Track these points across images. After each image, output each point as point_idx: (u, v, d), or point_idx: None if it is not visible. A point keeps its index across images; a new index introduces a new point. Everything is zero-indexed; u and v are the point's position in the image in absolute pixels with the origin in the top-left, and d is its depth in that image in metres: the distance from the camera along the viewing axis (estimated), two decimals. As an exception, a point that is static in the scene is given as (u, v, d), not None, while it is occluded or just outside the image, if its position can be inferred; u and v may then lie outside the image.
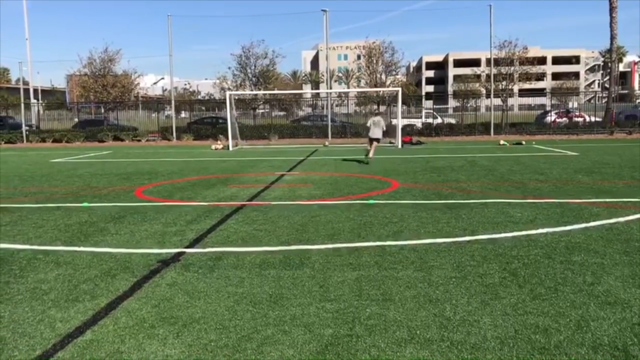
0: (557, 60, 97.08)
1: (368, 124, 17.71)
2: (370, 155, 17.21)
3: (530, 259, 5.47)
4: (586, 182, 11.14)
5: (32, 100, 41.69)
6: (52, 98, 69.62)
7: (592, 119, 34.25)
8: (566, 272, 5.01)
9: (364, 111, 43.49)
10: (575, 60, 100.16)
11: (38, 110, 41.49)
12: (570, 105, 39.74)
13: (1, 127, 37.62)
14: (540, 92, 47.54)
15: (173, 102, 37.17)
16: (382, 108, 38.99)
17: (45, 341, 3.69)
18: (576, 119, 34.60)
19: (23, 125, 35.94)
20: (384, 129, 17.73)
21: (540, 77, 40.42)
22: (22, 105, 38.27)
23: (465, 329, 3.78)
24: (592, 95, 44.80)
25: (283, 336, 3.71)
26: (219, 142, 26.99)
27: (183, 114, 45.72)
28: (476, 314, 4.03)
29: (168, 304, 4.36)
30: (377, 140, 17.41)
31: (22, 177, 14.11)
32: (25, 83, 43.92)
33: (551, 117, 34.61)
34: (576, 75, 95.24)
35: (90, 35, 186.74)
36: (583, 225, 6.99)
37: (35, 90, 46.32)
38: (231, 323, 3.95)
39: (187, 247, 6.21)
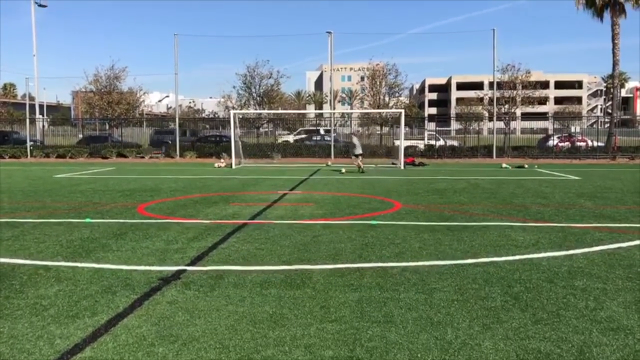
0: (559, 85, 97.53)
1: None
2: (361, 166, 21.60)
3: (532, 283, 5.45)
4: (589, 207, 11.12)
5: (38, 116, 41.93)
6: (58, 114, 70.14)
7: (595, 143, 34.32)
8: (568, 297, 4.98)
9: (367, 132, 43.62)
10: (578, 85, 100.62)
11: (43, 126, 41.73)
12: (572, 129, 39.82)
13: (6, 141, 37.84)
14: (542, 116, 47.71)
15: (177, 119, 37.35)
16: (385, 129, 39.14)
17: (44, 358, 3.68)
18: (579, 144, 34.66)
19: (28, 141, 36.12)
20: (358, 144, 22.29)
21: (543, 101, 40.53)
22: (27, 120, 38.50)
23: (467, 352, 3.75)
24: (595, 120, 44.93)
25: (283, 356, 3.69)
26: (222, 160, 27.07)
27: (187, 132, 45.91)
28: (477, 338, 4.01)
29: (168, 322, 4.35)
30: (358, 155, 21.82)
31: (25, 192, 14.14)
32: (32, 99, 44.24)
33: (553, 141, 34.69)
34: (579, 100, 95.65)
35: (97, 52, 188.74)
36: (585, 249, 6.97)
37: (41, 106, 46.63)
38: (231, 342, 3.93)
39: (188, 264, 6.20)
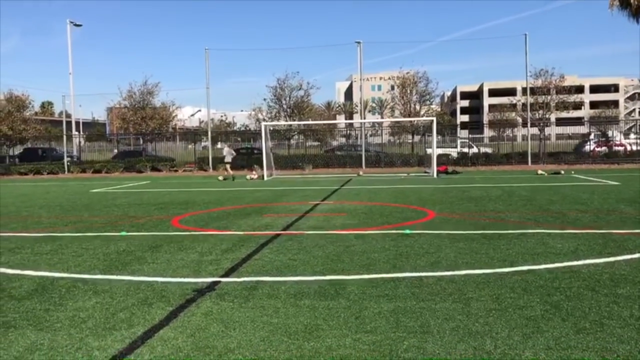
0: (595, 89, 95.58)
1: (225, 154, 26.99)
2: (231, 173, 26.02)
3: (572, 291, 5.29)
4: (629, 213, 10.81)
5: (74, 132, 42.95)
6: (93, 130, 71.77)
7: (634, 147, 33.48)
8: (612, 306, 4.82)
9: (398, 141, 43.43)
10: (614, 88, 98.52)
11: (79, 142, 42.70)
12: (610, 133, 38.91)
13: (44, 158, 38.85)
14: (578, 121, 46.77)
15: (210, 133, 37.82)
16: (417, 138, 38.87)
17: (83, 369, 3.71)
18: (617, 148, 33.85)
19: (65, 157, 37.01)
20: (232, 154, 27.18)
21: (578, 106, 39.73)
22: (64, 137, 39.45)
23: (507, 363, 3.65)
24: (633, 124, 43.80)
25: (319, 368, 3.64)
26: (254, 172, 27.24)
27: (219, 145, 46.44)
28: (517, 348, 3.90)
29: (203, 333, 4.35)
30: (229, 163, 26.37)
31: (63, 207, 14.45)
32: (68, 116, 45.33)
33: (590, 146, 33.96)
34: (615, 103, 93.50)
35: (130, 69, 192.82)
36: (628, 256, 6.75)
37: (77, 123, 47.72)
38: (266, 354, 3.91)
39: (223, 276, 6.22)
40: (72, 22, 37.27)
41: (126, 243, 8.51)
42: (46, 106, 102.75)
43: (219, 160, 35.36)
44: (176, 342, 4.15)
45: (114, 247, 8.16)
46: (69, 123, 42.20)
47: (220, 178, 26.09)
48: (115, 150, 43.61)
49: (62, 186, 23.81)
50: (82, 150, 42.70)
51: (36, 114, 54.55)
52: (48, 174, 35.39)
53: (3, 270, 6.81)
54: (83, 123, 64.84)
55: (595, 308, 4.77)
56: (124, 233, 9.51)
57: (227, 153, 26.88)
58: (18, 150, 41.68)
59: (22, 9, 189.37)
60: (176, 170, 34.61)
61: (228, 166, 26.38)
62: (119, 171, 34.75)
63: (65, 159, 36.72)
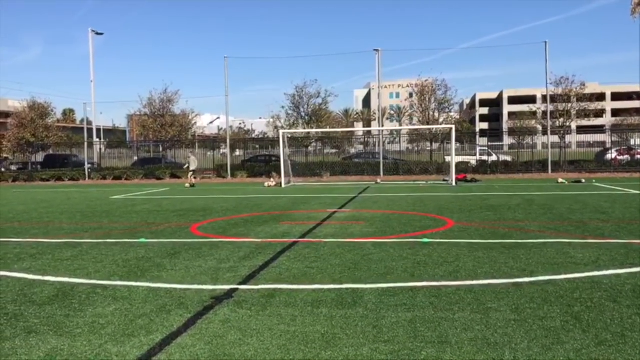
0: (617, 97, 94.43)
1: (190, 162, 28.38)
2: (194, 181, 28.03)
3: (593, 302, 5.22)
4: (652, 222, 10.62)
5: (95, 140, 43.45)
6: (114, 137, 72.63)
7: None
8: (634, 317, 4.74)
9: (416, 148, 43.23)
10: (637, 96, 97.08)
11: (100, 149, 43.19)
12: (632, 142, 38.32)
13: (66, 165, 39.37)
14: (600, 129, 46.14)
15: (228, 140, 38.04)
16: (436, 145, 38.68)
17: (102, 375, 3.74)
18: (639, 156, 33.36)
19: (86, 164, 37.47)
20: (195, 163, 28.54)
21: (600, 113, 39.17)
22: (86, 144, 39.94)
23: (526, 375, 3.60)
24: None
25: (336, 377, 3.63)
26: (272, 179, 27.33)
27: (238, 152, 46.67)
28: (537, 359, 3.85)
29: (221, 341, 4.36)
30: (193, 171, 28.14)
31: (83, 213, 14.61)
32: (89, 123, 45.91)
33: (612, 155, 33.51)
34: (638, 111, 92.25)
35: (150, 77, 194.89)
36: (650, 267, 6.64)
37: (98, 130, 48.30)
38: (283, 362, 3.91)
39: (240, 283, 6.24)
40: (93, 31, 37.84)
41: (145, 250, 8.58)
42: (68, 113, 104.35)
43: (235, 168, 35.57)
44: (194, 350, 4.17)
45: (134, 254, 8.23)
46: (90, 130, 42.68)
47: (187, 185, 27.29)
48: (135, 157, 44.05)
49: (82, 192, 24.10)
50: (102, 157, 43.20)
51: (58, 121, 55.28)
52: (69, 180, 35.86)
53: (25, 275, 6.91)
54: (104, 130, 65.68)
55: (617, 320, 4.69)
56: (143, 240, 9.58)
57: (192, 162, 28.38)
58: (40, 157, 42.31)
59: (46, 19, 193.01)
60: (195, 178, 34.82)
61: (193, 174, 28.29)
62: (139, 178, 35.09)
63: (86, 166, 37.21)
